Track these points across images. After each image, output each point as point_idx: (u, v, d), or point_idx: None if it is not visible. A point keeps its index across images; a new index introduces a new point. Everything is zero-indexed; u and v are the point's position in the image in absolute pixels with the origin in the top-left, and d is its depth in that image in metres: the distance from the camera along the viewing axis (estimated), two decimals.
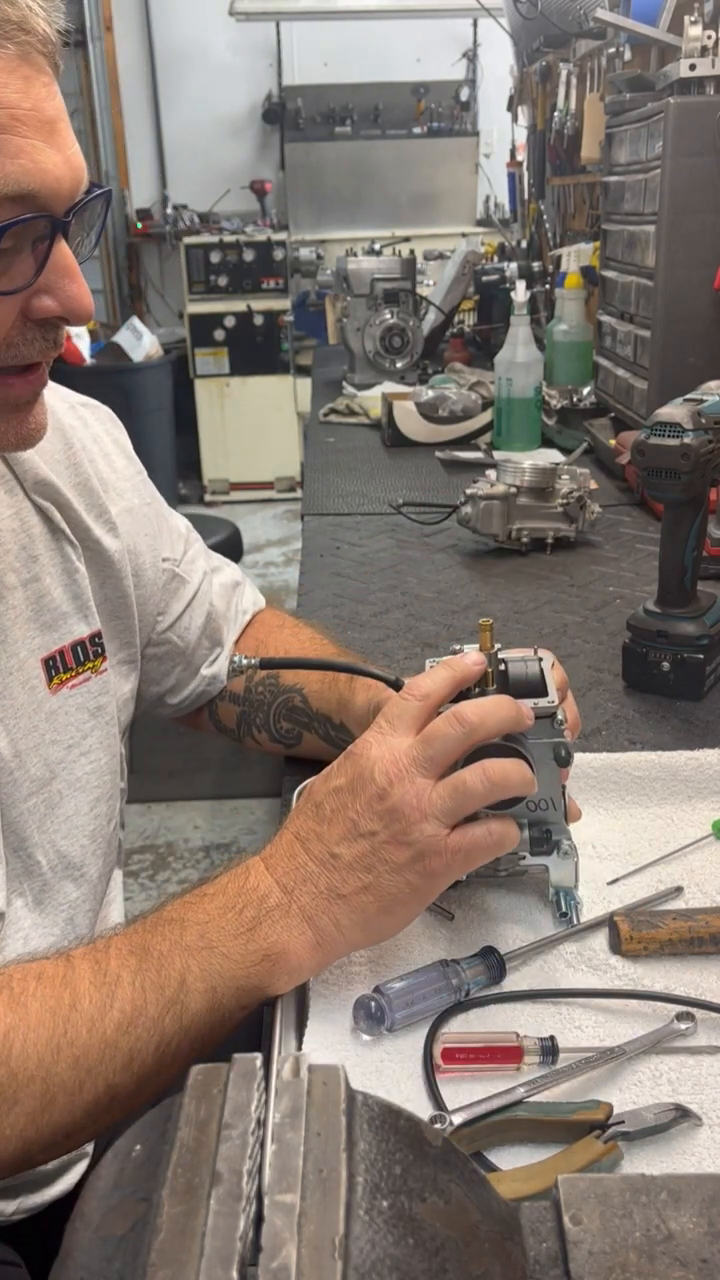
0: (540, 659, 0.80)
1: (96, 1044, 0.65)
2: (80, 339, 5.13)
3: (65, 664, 0.91)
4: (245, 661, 0.86)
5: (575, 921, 0.81)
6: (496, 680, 0.78)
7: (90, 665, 0.93)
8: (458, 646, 0.81)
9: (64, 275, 0.73)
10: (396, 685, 0.81)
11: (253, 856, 0.75)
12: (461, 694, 0.77)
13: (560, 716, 0.77)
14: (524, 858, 0.81)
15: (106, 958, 0.69)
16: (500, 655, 0.80)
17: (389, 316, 2.80)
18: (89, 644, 0.93)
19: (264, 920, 0.70)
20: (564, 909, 0.81)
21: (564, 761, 0.77)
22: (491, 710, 0.73)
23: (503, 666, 0.79)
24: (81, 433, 0.98)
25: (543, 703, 0.77)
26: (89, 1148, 0.97)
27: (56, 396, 0.96)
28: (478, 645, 0.80)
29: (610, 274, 2.02)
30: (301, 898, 0.71)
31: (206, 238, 5.77)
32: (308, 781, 0.80)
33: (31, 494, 0.90)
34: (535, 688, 0.78)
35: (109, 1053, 0.66)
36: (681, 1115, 0.64)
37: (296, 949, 0.70)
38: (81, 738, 0.92)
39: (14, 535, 0.88)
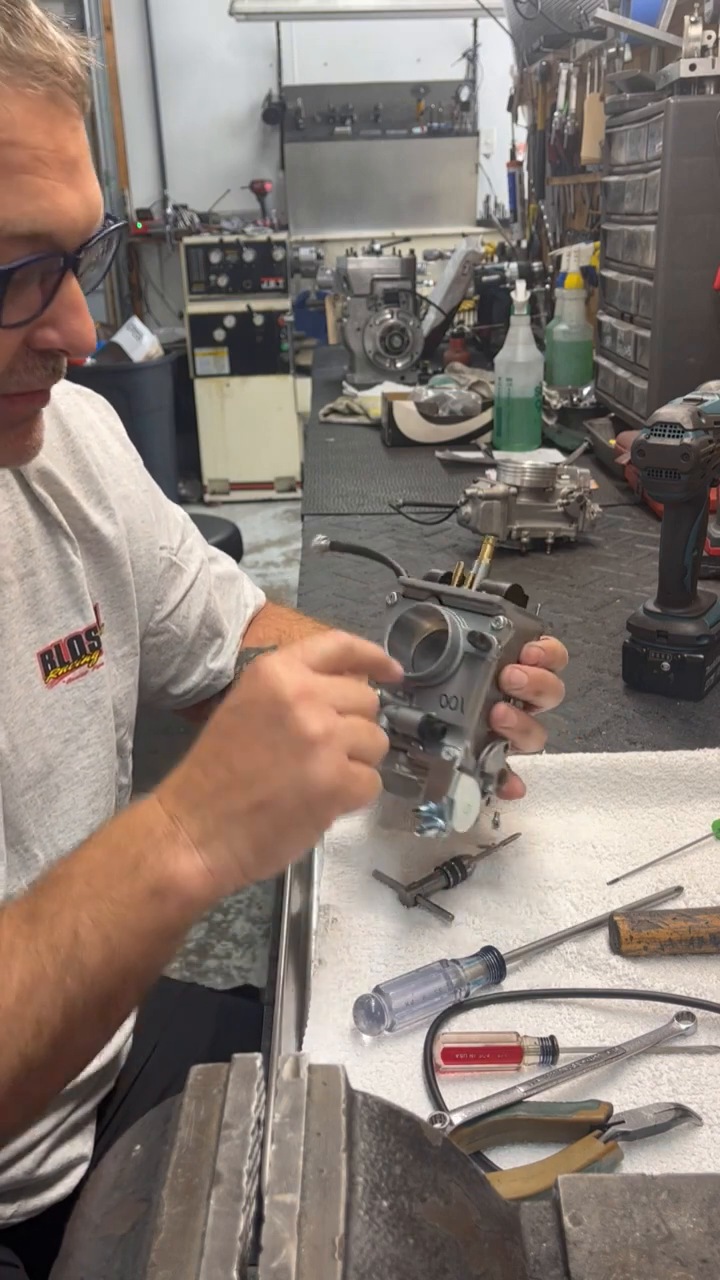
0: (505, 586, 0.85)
1: (0, 1018, 0.63)
2: None
3: (61, 658, 0.91)
4: (257, 651, 0.86)
5: (425, 832, 0.79)
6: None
7: (87, 659, 0.93)
8: (435, 570, 0.89)
9: (69, 310, 0.74)
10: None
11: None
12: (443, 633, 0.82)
13: (502, 621, 0.80)
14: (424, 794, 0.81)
15: (0, 928, 0.67)
16: (483, 581, 0.86)
17: (389, 316, 2.80)
18: (85, 638, 0.93)
19: (148, 854, 0.66)
20: (427, 820, 0.79)
21: (482, 649, 0.80)
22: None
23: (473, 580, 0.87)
24: (78, 419, 0.98)
25: (483, 595, 0.82)
26: (89, 1150, 0.97)
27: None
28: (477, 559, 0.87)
29: (610, 274, 2.02)
30: (191, 824, 0.67)
31: (206, 238, 5.77)
32: None
33: (32, 483, 0.90)
34: (492, 590, 0.84)
35: (15, 1025, 0.64)
36: (681, 1115, 0.64)
37: (186, 878, 0.66)
38: (79, 732, 0.92)
39: (10, 529, 0.88)
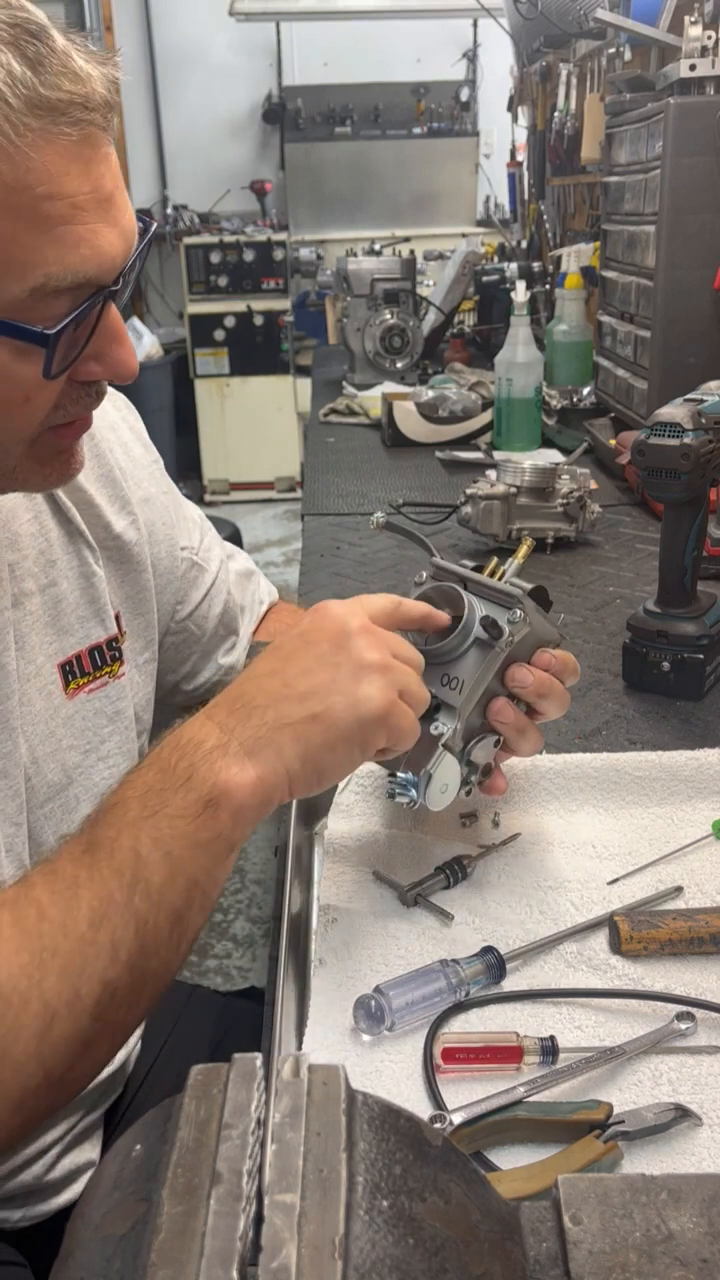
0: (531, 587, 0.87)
1: (75, 945, 0.63)
2: None
3: (82, 668, 0.90)
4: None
5: (395, 798, 0.82)
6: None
7: (108, 670, 0.92)
8: (467, 561, 0.91)
9: (111, 340, 0.73)
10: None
11: None
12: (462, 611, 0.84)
13: (518, 614, 0.81)
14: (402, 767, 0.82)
15: (60, 864, 0.67)
16: (511, 579, 0.87)
17: (389, 316, 2.80)
18: (106, 649, 0.92)
19: (199, 765, 0.68)
20: (401, 788, 0.81)
21: (493, 636, 0.81)
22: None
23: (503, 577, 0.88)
24: (100, 420, 0.96)
25: (507, 586, 0.83)
26: (96, 1156, 0.97)
27: None
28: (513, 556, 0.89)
29: (610, 274, 2.02)
30: (242, 733, 0.69)
31: (206, 238, 5.77)
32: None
33: (56, 491, 0.90)
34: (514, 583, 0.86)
35: (91, 951, 0.64)
36: (681, 1115, 0.64)
37: (237, 786, 0.68)
38: (99, 743, 0.92)
39: (33, 540, 0.88)
